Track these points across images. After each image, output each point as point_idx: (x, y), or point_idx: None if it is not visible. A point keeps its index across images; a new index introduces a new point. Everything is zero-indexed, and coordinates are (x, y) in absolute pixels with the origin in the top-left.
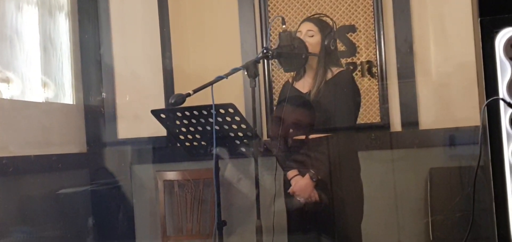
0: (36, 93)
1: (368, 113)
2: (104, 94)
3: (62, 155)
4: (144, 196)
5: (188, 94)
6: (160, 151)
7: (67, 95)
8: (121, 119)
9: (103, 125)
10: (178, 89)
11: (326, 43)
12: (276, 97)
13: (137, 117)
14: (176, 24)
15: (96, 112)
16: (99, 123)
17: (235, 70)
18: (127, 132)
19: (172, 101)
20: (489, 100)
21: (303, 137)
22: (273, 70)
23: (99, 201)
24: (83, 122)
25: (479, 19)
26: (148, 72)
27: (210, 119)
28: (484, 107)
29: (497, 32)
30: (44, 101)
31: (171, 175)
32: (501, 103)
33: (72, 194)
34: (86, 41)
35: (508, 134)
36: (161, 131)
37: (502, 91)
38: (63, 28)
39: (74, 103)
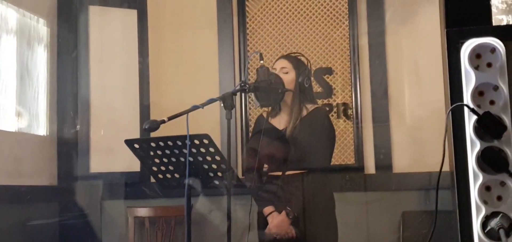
0: (9, 123)
1: (342, 155)
2: (78, 126)
3: (32, 187)
4: (114, 232)
5: (163, 121)
6: (132, 186)
7: (41, 127)
8: (94, 153)
9: (76, 157)
10: None
11: (300, 80)
12: (252, 130)
13: (110, 151)
14: (155, 57)
15: (69, 145)
16: (72, 156)
17: (211, 101)
18: (100, 166)
19: (146, 127)
20: (454, 106)
21: (279, 173)
22: (250, 103)
23: (67, 235)
24: (55, 154)
25: (445, 30)
26: (124, 105)
27: (185, 151)
28: (449, 112)
29: (462, 43)
30: (17, 131)
31: (142, 212)
32: (466, 111)
33: (41, 227)
34: (63, 73)
35: (472, 140)
36: (134, 166)
37: (467, 99)
38: (41, 59)
39: (48, 134)
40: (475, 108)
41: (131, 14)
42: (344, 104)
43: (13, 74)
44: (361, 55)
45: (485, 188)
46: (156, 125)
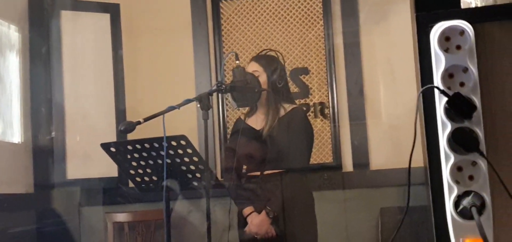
0: None
1: (320, 154)
2: (53, 133)
3: (8, 195)
4: (93, 239)
5: (139, 122)
6: (110, 191)
7: (15, 134)
8: (70, 159)
9: (52, 164)
10: None
11: (273, 78)
12: (229, 131)
13: (87, 157)
14: (130, 61)
15: (44, 152)
16: (48, 163)
17: (187, 101)
18: (77, 172)
19: (122, 128)
20: (424, 88)
21: (257, 173)
22: (227, 105)
23: None
24: (31, 161)
25: (415, 14)
26: (100, 110)
27: (162, 153)
28: (419, 95)
29: (431, 27)
30: None
31: (121, 217)
32: (436, 93)
33: (18, 235)
34: (36, 79)
35: (443, 122)
36: (112, 171)
37: (437, 82)
38: (13, 66)
39: (22, 142)
40: (446, 90)
41: (104, 19)
42: (321, 103)
43: None
44: (337, 55)
45: (457, 169)
46: (132, 126)
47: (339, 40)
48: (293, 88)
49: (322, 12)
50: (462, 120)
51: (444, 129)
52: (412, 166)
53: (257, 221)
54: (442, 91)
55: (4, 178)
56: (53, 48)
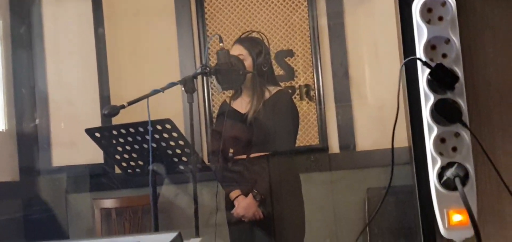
0: None
1: (307, 136)
2: (37, 120)
3: None
4: (81, 225)
5: (123, 106)
6: (96, 178)
7: None
8: (55, 147)
9: (37, 152)
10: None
11: (258, 62)
12: (215, 114)
13: (72, 144)
14: (113, 47)
15: (29, 139)
16: (33, 150)
17: (172, 85)
18: (62, 159)
19: (106, 113)
20: (407, 60)
21: (243, 156)
22: (212, 88)
23: (33, 230)
24: (16, 149)
25: None
26: (84, 97)
27: (147, 137)
28: (402, 67)
29: None
30: None
31: (108, 203)
32: (419, 65)
33: (5, 223)
34: (19, 66)
35: (425, 94)
36: (98, 158)
37: (419, 53)
38: None
39: (6, 129)
40: (428, 62)
41: (86, 4)
42: (307, 86)
43: None
44: (321, 36)
45: (440, 140)
46: (115, 110)
47: (323, 22)
48: (278, 71)
49: None
50: (445, 91)
51: (427, 100)
52: (396, 146)
53: (244, 204)
54: (424, 63)
55: None
56: (35, 34)
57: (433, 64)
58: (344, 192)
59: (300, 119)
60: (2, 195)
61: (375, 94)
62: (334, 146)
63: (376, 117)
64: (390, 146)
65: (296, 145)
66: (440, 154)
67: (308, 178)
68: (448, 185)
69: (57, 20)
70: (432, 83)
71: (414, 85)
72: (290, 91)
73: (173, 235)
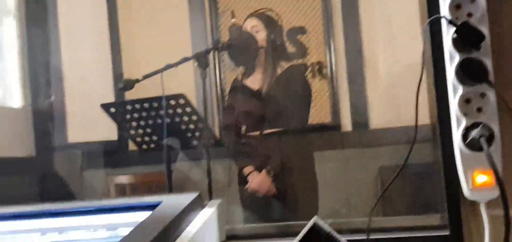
0: None
1: (319, 114)
2: (53, 97)
3: (10, 159)
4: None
5: (137, 80)
6: (111, 154)
7: (15, 98)
8: (70, 123)
9: (52, 128)
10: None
11: (272, 37)
12: (227, 88)
13: (87, 120)
14: (125, 25)
15: (44, 116)
16: (48, 127)
17: (185, 60)
18: (77, 136)
19: (121, 86)
20: (432, 18)
21: (256, 133)
22: (223, 62)
23: None
24: (32, 125)
25: None
26: (98, 74)
27: (161, 112)
28: (426, 25)
29: None
30: None
31: (122, 179)
32: (443, 24)
33: (21, 198)
34: (34, 44)
35: (450, 54)
36: (112, 135)
37: (444, 13)
38: (10, 31)
39: (22, 106)
40: (453, 20)
41: None
42: (319, 63)
43: None
44: (334, 13)
45: (465, 101)
46: (131, 84)
47: None
48: (290, 48)
49: None
50: (470, 50)
51: (452, 60)
52: (409, 125)
53: (258, 180)
54: (450, 21)
55: (5, 142)
56: (49, 12)
57: (458, 23)
58: (356, 171)
59: (312, 97)
60: (18, 170)
61: (389, 72)
62: (346, 123)
63: (390, 95)
64: (403, 124)
65: (309, 123)
66: (465, 114)
67: (320, 156)
68: (472, 145)
69: None
70: (457, 42)
71: (438, 45)
72: (300, 66)
73: (194, 195)
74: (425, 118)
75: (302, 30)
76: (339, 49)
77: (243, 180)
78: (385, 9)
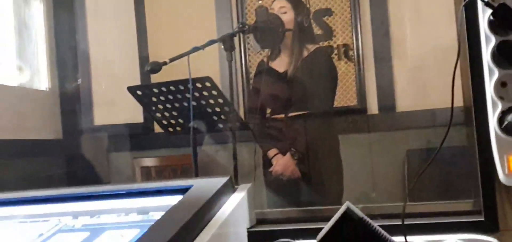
0: (11, 78)
1: (345, 97)
2: (79, 80)
3: (37, 141)
4: (122, 183)
5: (165, 63)
6: (137, 137)
7: (42, 81)
8: (97, 106)
9: (79, 111)
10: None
11: (299, 19)
12: (252, 73)
13: (113, 103)
14: (151, 7)
15: (71, 99)
16: (75, 109)
17: (211, 42)
18: (104, 118)
19: (148, 68)
20: (467, 0)
21: (282, 116)
22: (249, 48)
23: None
24: (59, 108)
25: None
26: (124, 57)
27: (187, 95)
28: (462, 7)
29: None
30: (18, 85)
31: (148, 162)
32: (479, 6)
33: (48, 179)
34: (61, 27)
35: (486, 36)
36: (138, 117)
37: None
38: (37, 14)
39: (49, 89)
40: (490, 1)
41: None
42: (345, 45)
43: (11, 29)
44: None
45: (501, 84)
46: (158, 66)
47: None
48: (317, 30)
49: None
50: (507, 33)
51: (488, 43)
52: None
53: (282, 162)
54: (486, 3)
55: (33, 124)
56: None
57: (495, 4)
58: (383, 154)
59: (338, 80)
60: (46, 152)
61: (416, 54)
62: (373, 107)
63: (417, 77)
64: (430, 107)
65: (334, 106)
66: (501, 98)
67: (346, 139)
68: (509, 130)
69: None
70: (494, 25)
71: (473, 27)
72: (327, 48)
73: (224, 179)
74: (457, 101)
75: (328, 11)
76: (366, 31)
77: (267, 163)
78: None
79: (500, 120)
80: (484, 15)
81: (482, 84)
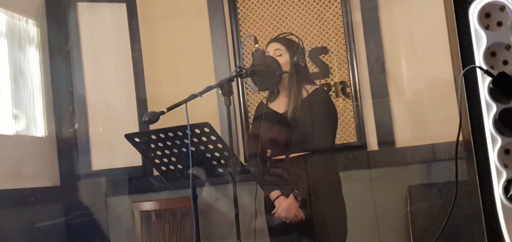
0: (7, 126)
1: (344, 134)
2: (76, 125)
3: (35, 189)
4: (121, 228)
5: (162, 112)
6: (135, 181)
7: (39, 128)
8: (95, 150)
9: (77, 156)
10: None
11: (295, 59)
12: (251, 115)
13: (111, 147)
14: (148, 50)
15: (69, 144)
16: (73, 155)
17: (209, 88)
18: (102, 163)
19: (146, 119)
20: (467, 68)
21: (282, 157)
22: (247, 89)
23: (74, 234)
24: (56, 154)
25: None
26: (121, 101)
27: (186, 141)
28: (461, 77)
29: (469, 3)
30: (15, 134)
31: (147, 205)
32: (479, 74)
33: (47, 228)
34: (57, 72)
35: (487, 103)
36: (136, 161)
37: (479, 61)
38: (33, 60)
39: (46, 135)
40: (489, 70)
41: (120, 8)
42: (342, 82)
43: (7, 77)
44: (356, 32)
45: (505, 152)
46: (155, 117)
47: (357, 17)
48: (313, 68)
49: None
50: (508, 100)
51: (489, 111)
52: (436, 142)
53: (285, 205)
54: (486, 72)
55: (30, 171)
56: (72, 40)
57: (494, 73)
58: (384, 190)
59: (337, 113)
60: (44, 200)
61: (413, 89)
62: (372, 143)
63: (415, 112)
64: (430, 142)
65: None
66: (505, 166)
67: (347, 176)
68: None
69: (93, 25)
70: (495, 92)
71: (474, 94)
72: (325, 89)
73: None
74: (447, 136)
75: (324, 50)
76: (362, 67)
77: (270, 206)
78: (407, 25)
79: (506, 189)
80: (484, 82)
81: (485, 153)
